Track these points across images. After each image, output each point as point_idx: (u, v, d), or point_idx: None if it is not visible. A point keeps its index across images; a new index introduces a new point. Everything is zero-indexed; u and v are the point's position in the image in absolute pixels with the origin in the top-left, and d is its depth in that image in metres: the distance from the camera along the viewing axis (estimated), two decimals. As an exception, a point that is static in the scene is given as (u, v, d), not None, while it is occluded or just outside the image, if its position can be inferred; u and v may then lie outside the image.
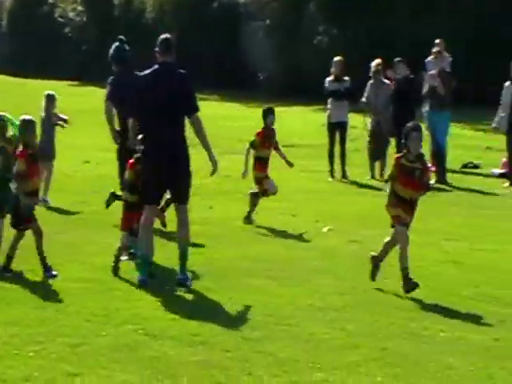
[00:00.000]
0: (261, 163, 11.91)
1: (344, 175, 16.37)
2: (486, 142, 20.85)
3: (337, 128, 16.56)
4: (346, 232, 11.31)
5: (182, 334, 7.07)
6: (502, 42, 27.56)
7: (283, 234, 11.14)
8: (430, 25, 27.99)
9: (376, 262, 8.86)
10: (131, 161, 9.11)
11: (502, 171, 16.62)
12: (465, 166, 18.09)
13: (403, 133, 8.57)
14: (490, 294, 8.43)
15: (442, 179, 15.84)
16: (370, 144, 16.68)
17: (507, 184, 15.67)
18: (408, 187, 8.55)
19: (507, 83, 16.12)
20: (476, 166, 18.11)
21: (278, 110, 12.79)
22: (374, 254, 8.89)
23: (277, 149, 12.21)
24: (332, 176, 16.40)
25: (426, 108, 16.74)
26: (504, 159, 16.67)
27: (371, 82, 16.63)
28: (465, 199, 14.33)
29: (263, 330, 7.24)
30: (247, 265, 9.45)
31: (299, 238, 11.00)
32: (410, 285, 8.37)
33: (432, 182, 15.97)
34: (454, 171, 17.07)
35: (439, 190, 14.96)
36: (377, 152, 16.49)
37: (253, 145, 11.89)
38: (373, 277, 8.84)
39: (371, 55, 17.53)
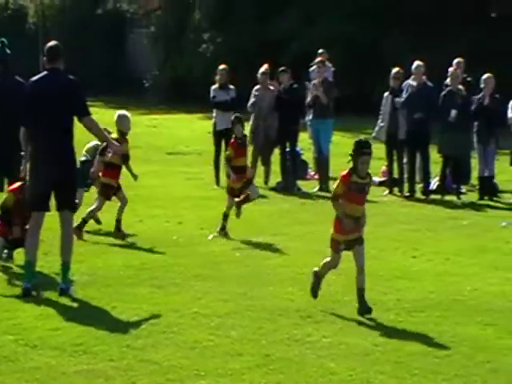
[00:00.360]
0: (238, 173, 11.80)
1: (229, 183, 16.46)
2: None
3: (222, 136, 16.65)
4: (231, 239, 11.39)
5: (65, 343, 6.99)
6: (383, 54, 28.25)
7: (168, 242, 11.13)
8: (314, 34, 28.44)
9: (317, 276, 8.59)
10: (14, 186, 9.10)
11: (382, 179, 17.03)
12: (347, 174, 18.41)
13: (352, 149, 8.20)
14: (371, 299, 8.61)
15: (324, 188, 16.11)
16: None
17: (387, 192, 16.07)
18: (357, 203, 8.29)
19: (386, 94, 16.54)
20: (358, 174, 18.45)
21: (164, 117, 12.82)
22: (316, 269, 8.64)
23: None
24: (217, 183, 16.48)
25: (309, 117, 17.00)
26: (383, 168, 17.09)
27: (257, 87, 16.78)
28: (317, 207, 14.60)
29: (147, 338, 7.22)
30: (131, 273, 9.40)
31: (184, 245, 11.01)
32: (365, 308, 8.13)
33: (315, 189, 16.28)
34: (336, 179, 17.36)
35: (323, 197, 15.21)
36: (261, 159, 16.65)
37: (228, 158, 11.90)
38: (313, 292, 8.57)
39: (256, 63, 17.68)
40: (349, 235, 8.30)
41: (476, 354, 7.08)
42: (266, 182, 16.64)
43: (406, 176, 15.87)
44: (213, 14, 33.56)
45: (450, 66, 16.56)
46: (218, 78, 16.77)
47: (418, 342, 7.36)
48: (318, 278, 8.56)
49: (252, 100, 16.70)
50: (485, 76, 15.93)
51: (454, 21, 28.34)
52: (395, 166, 16.28)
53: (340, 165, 18.82)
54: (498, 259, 10.72)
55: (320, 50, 18.44)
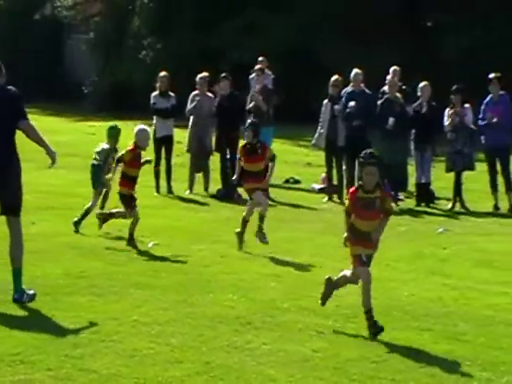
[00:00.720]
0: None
1: (170, 190, 16.44)
2: (307, 158, 21.48)
3: (162, 143, 16.62)
4: (170, 247, 11.38)
5: (2, 353, 6.91)
6: (322, 62, 28.47)
7: (108, 250, 11.07)
8: (254, 43, 28.55)
9: (330, 287, 8.42)
10: None
11: (322, 186, 17.18)
12: (286, 181, 18.56)
13: (358, 162, 8.14)
14: (310, 306, 8.69)
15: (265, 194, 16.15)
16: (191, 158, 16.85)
17: (326, 199, 16.21)
18: (366, 219, 8.02)
19: (325, 101, 16.69)
20: (297, 181, 18.62)
21: (103, 124, 12.73)
22: (330, 276, 8.47)
23: None
24: (158, 191, 16.43)
25: (249, 124, 17.05)
26: (323, 175, 17.24)
27: (195, 93, 16.78)
28: (286, 214, 14.70)
29: (87, 347, 7.18)
30: (70, 281, 9.33)
31: (123, 253, 10.96)
32: (376, 328, 7.84)
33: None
34: (276, 186, 17.48)
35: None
36: (197, 166, 16.67)
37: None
38: (323, 300, 8.43)
39: (196, 70, 17.68)
40: (365, 249, 8.05)
41: (413, 359, 7.19)
42: (206, 189, 16.65)
43: (345, 183, 16.02)
44: (152, 21, 33.45)
45: (388, 74, 16.78)
46: (158, 84, 16.74)
47: (357, 348, 7.45)
48: (331, 286, 8.37)
49: (191, 105, 16.68)
50: (421, 84, 16.18)
51: (391, 30, 28.70)
52: (335, 172, 16.43)
53: (279, 172, 19.02)
54: (434, 265, 10.89)
55: (260, 58, 18.55)
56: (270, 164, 11.96)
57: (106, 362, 6.84)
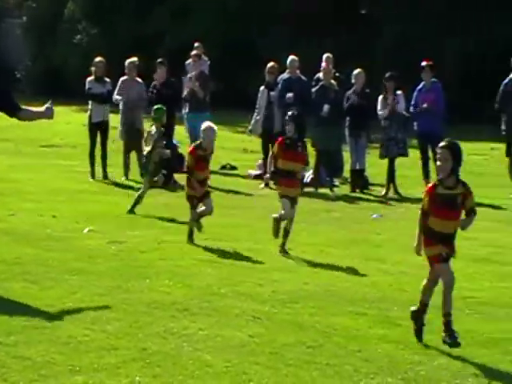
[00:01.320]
0: (286, 177, 10.71)
1: (105, 176, 16.32)
2: (243, 144, 21.51)
3: (98, 128, 16.48)
4: (106, 232, 11.30)
5: None
6: (258, 48, 28.50)
7: (43, 236, 10.95)
8: (190, 29, 28.44)
9: (418, 314, 7.51)
10: None
11: (258, 172, 17.22)
12: (223, 167, 18.57)
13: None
14: (247, 291, 8.73)
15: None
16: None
17: (263, 185, 16.26)
18: (450, 220, 7.18)
19: (262, 88, 16.73)
20: (234, 168, 18.64)
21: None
22: (413, 308, 7.52)
23: None
24: (93, 177, 16.30)
25: (185, 110, 17.02)
26: (260, 161, 17.29)
27: (123, 78, 16.65)
28: (223, 200, 14.71)
29: (20, 334, 7.10)
30: (4, 268, 9.21)
31: (59, 239, 10.86)
32: (452, 339, 7.13)
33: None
34: (212, 172, 17.46)
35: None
36: (128, 149, 16.58)
37: (272, 155, 10.97)
38: (418, 335, 7.46)
39: (132, 55, 17.55)
40: (446, 249, 7.23)
41: (348, 344, 7.27)
42: (141, 175, 16.53)
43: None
44: (88, 5, 33.10)
45: (322, 61, 16.88)
46: (94, 70, 16.58)
47: (293, 333, 7.50)
48: (418, 313, 7.47)
49: (117, 95, 16.53)
50: (355, 71, 16.32)
51: (327, 18, 28.87)
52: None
53: (216, 158, 19.03)
54: (369, 251, 11.02)
55: (196, 44, 18.50)
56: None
57: (40, 349, 6.78)
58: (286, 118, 10.85)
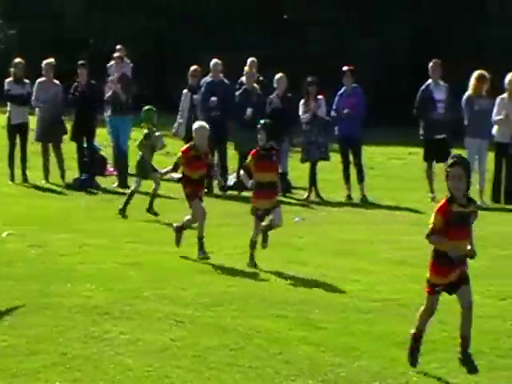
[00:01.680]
0: (262, 190, 10.40)
1: (25, 179, 16.12)
2: (166, 147, 21.41)
3: (17, 130, 16.28)
4: (26, 236, 11.16)
5: None
6: (182, 51, 28.44)
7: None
8: (114, 30, 28.25)
9: (416, 338, 6.99)
10: None
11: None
12: (145, 170, 18.47)
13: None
14: (169, 295, 8.72)
15: (123, 183, 16.07)
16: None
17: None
18: (463, 239, 6.70)
19: (185, 91, 16.73)
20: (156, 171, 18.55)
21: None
22: (412, 331, 7.04)
23: None
24: (12, 179, 16.07)
25: (108, 113, 16.90)
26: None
27: (40, 80, 16.46)
28: (146, 202, 14.64)
29: None
30: None
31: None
32: (469, 364, 6.71)
33: (114, 185, 16.20)
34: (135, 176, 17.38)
35: (121, 194, 15.17)
36: (47, 151, 16.42)
37: (245, 167, 10.77)
38: (412, 361, 6.95)
39: (52, 57, 17.34)
40: (449, 276, 6.75)
41: (269, 346, 7.33)
42: (62, 177, 16.38)
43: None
44: (4, 4, 32.60)
45: (245, 65, 16.96)
46: (13, 71, 16.35)
47: (216, 336, 7.53)
48: (415, 339, 6.97)
49: (36, 93, 16.34)
50: (277, 76, 16.44)
51: (250, 21, 29.03)
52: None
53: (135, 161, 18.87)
54: (291, 254, 11.10)
55: (118, 46, 18.38)
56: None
57: (-42, 355, 6.68)
58: (258, 126, 10.48)
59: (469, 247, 6.75)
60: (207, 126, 11.01)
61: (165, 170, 11.37)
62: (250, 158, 10.39)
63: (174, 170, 11.01)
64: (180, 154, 10.87)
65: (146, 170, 13.45)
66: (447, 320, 8.08)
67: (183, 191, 10.94)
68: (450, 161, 6.65)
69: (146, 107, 13.76)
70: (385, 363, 7.03)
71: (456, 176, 6.58)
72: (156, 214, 13.09)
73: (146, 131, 13.59)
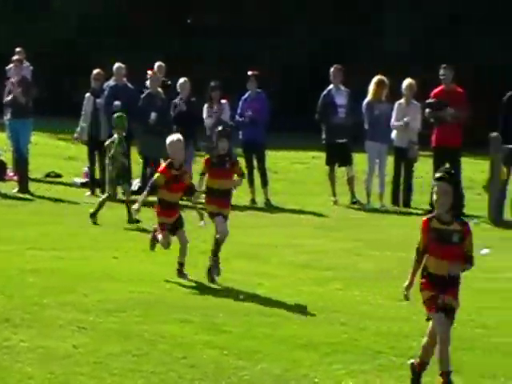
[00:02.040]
0: (213, 196, 10.21)
1: None
2: (69, 152, 21.17)
3: None
4: None
5: None
6: (85, 54, 28.14)
7: None
8: (14, 32, 27.78)
9: (418, 369, 6.61)
10: None
11: (84, 181, 17.02)
12: (47, 175, 18.22)
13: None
14: (71, 301, 8.60)
15: (24, 189, 15.80)
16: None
17: (89, 193, 16.07)
18: (444, 259, 6.33)
19: (88, 94, 16.55)
20: (58, 175, 18.32)
21: None
22: (412, 361, 6.68)
23: None
24: None
25: (7, 116, 16.59)
26: (85, 169, 17.08)
27: None
28: (46, 208, 14.45)
29: None
30: None
31: None
32: None
33: (14, 190, 15.89)
34: (36, 180, 17.11)
35: (22, 199, 14.92)
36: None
37: (201, 172, 10.20)
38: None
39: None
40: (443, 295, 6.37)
41: (174, 351, 7.30)
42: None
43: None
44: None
45: (150, 69, 16.88)
46: None
47: (118, 342, 7.46)
48: (415, 370, 6.61)
49: None
50: (181, 80, 16.42)
51: (160, 27, 29.08)
52: (97, 166, 16.31)
53: (40, 165, 18.58)
54: (195, 258, 11.07)
55: (17, 49, 18.06)
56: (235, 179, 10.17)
57: None
58: (217, 134, 10.10)
59: (457, 269, 6.33)
60: (181, 137, 10.23)
61: (141, 199, 10.26)
62: (203, 166, 10.10)
63: (151, 193, 10.16)
64: (158, 174, 10.06)
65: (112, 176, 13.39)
66: (349, 322, 8.21)
67: (154, 208, 10.34)
68: (437, 174, 6.38)
69: (118, 114, 13.74)
70: (287, 365, 7.09)
71: (440, 191, 6.27)
72: (138, 222, 12.75)
73: (117, 137, 13.35)
